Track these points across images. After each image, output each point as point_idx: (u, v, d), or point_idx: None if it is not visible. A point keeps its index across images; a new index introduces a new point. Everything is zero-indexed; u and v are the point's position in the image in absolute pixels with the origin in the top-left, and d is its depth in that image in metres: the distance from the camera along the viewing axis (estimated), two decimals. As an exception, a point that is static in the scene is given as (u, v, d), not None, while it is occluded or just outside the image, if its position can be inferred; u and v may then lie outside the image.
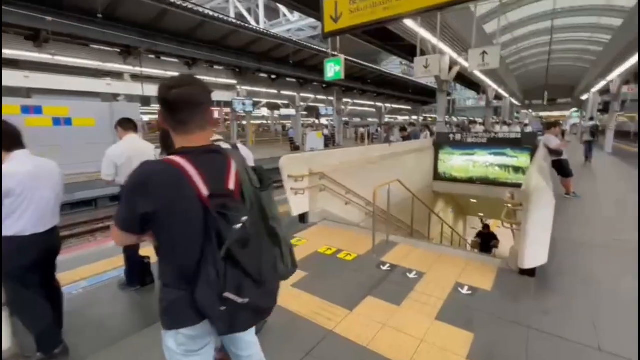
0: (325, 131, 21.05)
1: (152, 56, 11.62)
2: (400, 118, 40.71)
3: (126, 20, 9.02)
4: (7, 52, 7.71)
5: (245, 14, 30.61)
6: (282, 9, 28.97)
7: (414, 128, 10.88)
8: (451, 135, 8.96)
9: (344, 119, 25.87)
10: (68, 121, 9.52)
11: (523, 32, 11.79)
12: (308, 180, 4.30)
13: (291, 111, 21.41)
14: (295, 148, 18.18)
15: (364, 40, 10.07)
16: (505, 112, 22.02)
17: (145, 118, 31.50)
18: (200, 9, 9.42)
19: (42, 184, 1.76)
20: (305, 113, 28.50)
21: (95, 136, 9.43)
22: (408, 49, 10.72)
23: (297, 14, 28.25)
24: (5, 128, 1.67)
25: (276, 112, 32.55)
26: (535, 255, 2.54)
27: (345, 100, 22.72)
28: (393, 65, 34.69)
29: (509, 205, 2.60)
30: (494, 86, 16.39)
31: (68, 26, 7.80)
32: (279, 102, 20.21)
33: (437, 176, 9.14)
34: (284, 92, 17.65)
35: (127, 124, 2.65)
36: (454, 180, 8.89)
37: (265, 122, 37.83)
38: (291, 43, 12.46)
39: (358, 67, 16.93)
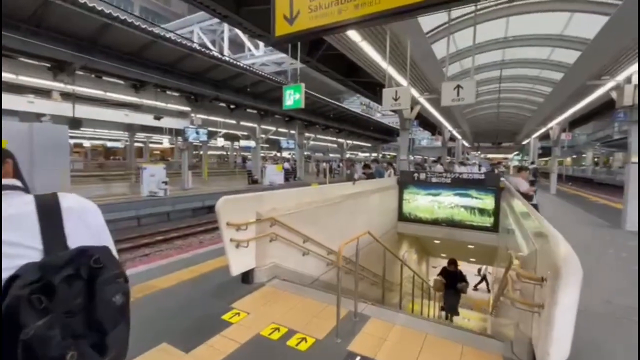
0: (286, 164, 20.35)
1: (93, 75, 10.35)
2: (361, 154, 41.80)
3: (57, 30, 7.83)
4: None
5: (210, 45, 30.41)
6: (247, 43, 29.27)
7: (378, 165, 10.51)
8: (415, 175, 8.64)
9: (305, 152, 25.58)
10: (-32, 143, 7.70)
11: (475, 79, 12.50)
12: (255, 228, 3.36)
13: (251, 143, 20.55)
14: (254, 182, 17.10)
15: (327, 76, 9.76)
16: (458, 152, 23.23)
17: (87, 143, 28.80)
18: (149, 28, 8.53)
19: None
20: (267, 145, 27.81)
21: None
22: (370, 87, 10.66)
23: (262, 49, 28.63)
24: None
25: (235, 144, 31.54)
26: (560, 349, 1.82)
27: (307, 134, 22.52)
28: (354, 106, 36.03)
29: (523, 279, 1.85)
30: (450, 127, 17.12)
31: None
32: (239, 133, 19.30)
33: (402, 217, 8.64)
34: (243, 123, 16.86)
35: None
36: (419, 221, 8.42)
37: (225, 153, 36.34)
38: (250, 72, 11.90)
39: (321, 102, 16.84)
